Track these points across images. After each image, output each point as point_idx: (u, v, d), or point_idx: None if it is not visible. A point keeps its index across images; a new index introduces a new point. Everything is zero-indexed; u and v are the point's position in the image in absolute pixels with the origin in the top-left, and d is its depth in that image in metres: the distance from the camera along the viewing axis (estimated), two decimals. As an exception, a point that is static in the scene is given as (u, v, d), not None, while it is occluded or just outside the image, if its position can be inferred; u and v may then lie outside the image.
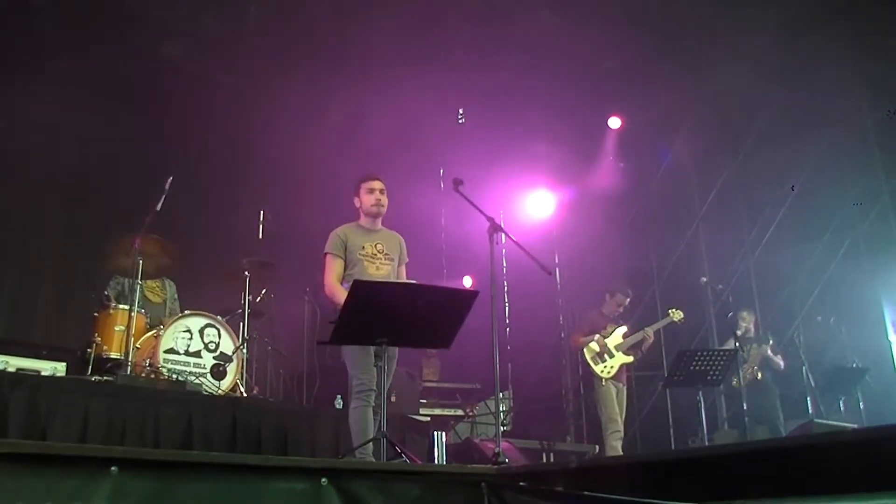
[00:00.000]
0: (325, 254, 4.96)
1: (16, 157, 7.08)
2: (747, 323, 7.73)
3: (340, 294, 4.67)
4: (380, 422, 4.15)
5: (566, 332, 10.32)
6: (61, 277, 7.57)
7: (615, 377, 6.95)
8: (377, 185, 5.07)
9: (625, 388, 7.06)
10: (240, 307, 6.35)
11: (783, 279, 9.06)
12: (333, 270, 4.90)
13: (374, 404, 4.47)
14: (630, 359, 7.04)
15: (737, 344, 7.03)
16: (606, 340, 7.02)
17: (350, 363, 4.66)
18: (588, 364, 7.03)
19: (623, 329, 7.13)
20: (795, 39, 7.55)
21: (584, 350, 7.03)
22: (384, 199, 5.07)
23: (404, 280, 5.12)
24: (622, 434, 6.82)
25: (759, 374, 7.24)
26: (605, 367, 6.96)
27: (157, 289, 6.64)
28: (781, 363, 7.69)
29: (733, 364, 6.82)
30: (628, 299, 7.31)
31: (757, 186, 9.22)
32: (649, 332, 7.06)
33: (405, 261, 5.19)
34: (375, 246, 5.00)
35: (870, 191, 8.48)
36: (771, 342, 7.77)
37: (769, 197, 9.23)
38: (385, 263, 4.98)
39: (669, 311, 7.27)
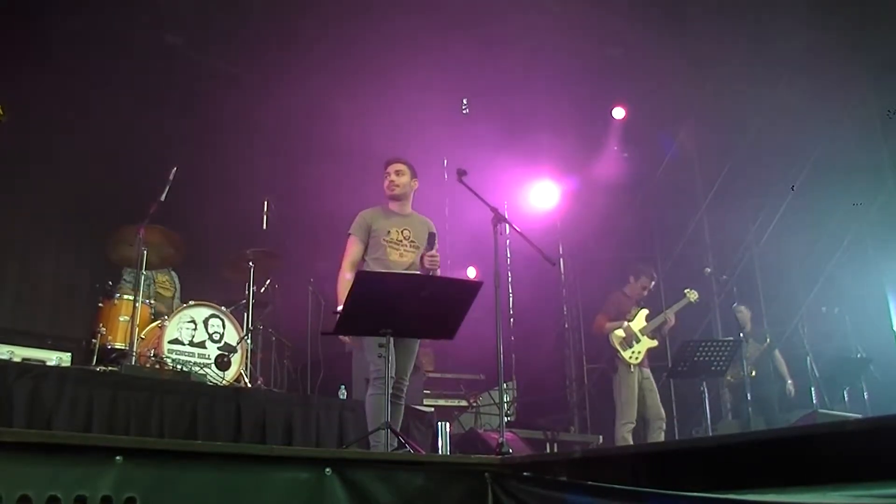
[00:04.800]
0: (348, 234, 4.94)
1: (20, 147, 7.07)
2: (744, 317, 7.67)
3: (344, 283, 4.69)
4: (385, 412, 4.16)
5: (569, 322, 10.33)
6: (66, 267, 7.59)
7: (642, 363, 6.84)
8: (391, 167, 5.02)
9: (650, 372, 6.90)
10: (244, 298, 6.36)
11: (787, 269, 9.04)
12: (350, 254, 4.87)
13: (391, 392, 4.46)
14: (654, 343, 6.91)
15: (741, 335, 7.02)
16: (632, 324, 6.91)
17: (367, 350, 4.60)
18: (616, 349, 6.83)
19: (645, 312, 7.00)
20: (799, 28, 7.51)
21: (611, 336, 6.88)
22: (399, 180, 4.98)
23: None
24: (634, 424, 6.66)
25: (754, 372, 7.17)
26: (633, 352, 6.82)
27: (166, 282, 6.66)
28: (785, 366, 7.70)
29: (737, 354, 6.80)
30: (653, 282, 7.21)
31: (761, 176, 9.19)
32: (670, 314, 6.93)
33: (435, 248, 5.00)
34: (402, 232, 4.91)
35: (875, 180, 8.45)
36: (768, 340, 7.75)
37: (773, 187, 9.21)
38: (409, 251, 4.89)
39: (685, 291, 7.11)
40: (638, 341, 6.86)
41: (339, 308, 4.67)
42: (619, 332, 6.88)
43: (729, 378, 7.31)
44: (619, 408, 6.78)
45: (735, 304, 7.51)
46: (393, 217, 4.97)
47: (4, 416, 4.20)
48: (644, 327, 6.92)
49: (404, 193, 5.03)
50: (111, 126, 7.56)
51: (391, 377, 4.40)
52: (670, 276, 9.35)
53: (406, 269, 4.82)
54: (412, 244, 4.92)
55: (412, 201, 5.14)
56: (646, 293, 7.18)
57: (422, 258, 4.78)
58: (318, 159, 8.44)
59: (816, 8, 7.37)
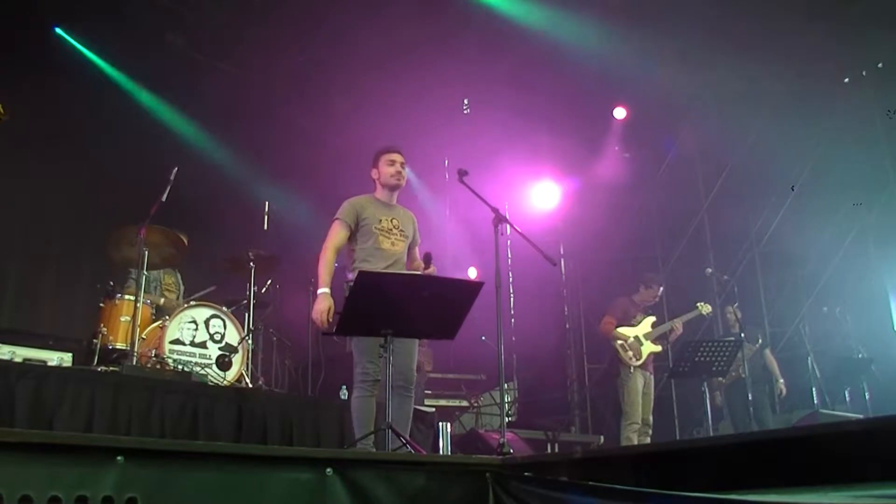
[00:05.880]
0: (334, 219, 4.78)
1: (21, 147, 7.08)
2: (733, 318, 7.67)
3: (326, 265, 4.60)
4: (385, 413, 4.15)
5: (571, 322, 10.33)
6: (67, 268, 7.60)
7: (643, 366, 6.88)
8: (399, 157, 4.90)
9: (652, 378, 6.98)
10: (245, 298, 6.36)
11: (789, 269, 9.04)
12: (335, 236, 4.71)
13: (377, 394, 4.42)
14: (658, 348, 6.96)
15: (742, 335, 7.02)
16: (636, 329, 6.96)
17: (357, 351, 4.57)
18: (617, 351, 6.90)
19: (652, 318, 7.04)
20: (800, 28, 7.51)
21: (615, 338, 6.94)
22: (405, 173, 4.91)
23: (417, 260, 4.96)
24: (639, 426, 6.73)
25: (745, 373, 7.18)
26: (636, 355, 6.89)
27: (172, 284, 6.66)
28: (776, 366, 7.70)
29: (737, 355, 6.79)
30: (661, 288, 7.24)
31: (762, 176, 9.18)
32: (678, 323, 6.96)
33: (418, 242, 5.04)
34: (391, 221, 4.83)
35: (875, 180, 8.44)
36: (760, 341, 7.74)
37: (774, 187, 9.20)
38: (400, 240, 4.82)
39: (697, 304, 7.12)
40: (640, 344, 6.90)
41: (320, 290, 4.53)
42: (623, 333, 6.91)
43: (720, 379, 7.31)
44: (624, 410, 6.82)
45: (737, 304, 7.53)
46: (382, 206, 4.88)
47: (6, 416, 4.20)
48: (648, 332, 6.96)
49: (402, 186, 4.98)
50: (112, 125, 7.57)
51: (385, 377, 4.39)
52: (672, 277, 9.36)
53: (397, 258, 4.78)
54: (402, 233, 4.85)
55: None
56: (652, 301, 7.21)
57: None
58: (320, 159, 8.45)
59: (817, 7, 7.37)
